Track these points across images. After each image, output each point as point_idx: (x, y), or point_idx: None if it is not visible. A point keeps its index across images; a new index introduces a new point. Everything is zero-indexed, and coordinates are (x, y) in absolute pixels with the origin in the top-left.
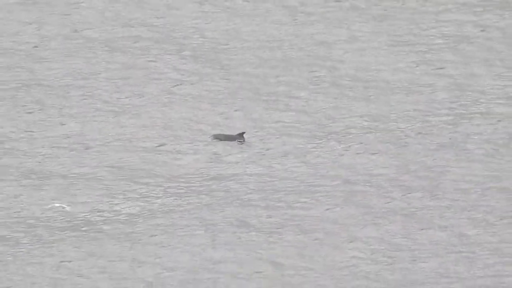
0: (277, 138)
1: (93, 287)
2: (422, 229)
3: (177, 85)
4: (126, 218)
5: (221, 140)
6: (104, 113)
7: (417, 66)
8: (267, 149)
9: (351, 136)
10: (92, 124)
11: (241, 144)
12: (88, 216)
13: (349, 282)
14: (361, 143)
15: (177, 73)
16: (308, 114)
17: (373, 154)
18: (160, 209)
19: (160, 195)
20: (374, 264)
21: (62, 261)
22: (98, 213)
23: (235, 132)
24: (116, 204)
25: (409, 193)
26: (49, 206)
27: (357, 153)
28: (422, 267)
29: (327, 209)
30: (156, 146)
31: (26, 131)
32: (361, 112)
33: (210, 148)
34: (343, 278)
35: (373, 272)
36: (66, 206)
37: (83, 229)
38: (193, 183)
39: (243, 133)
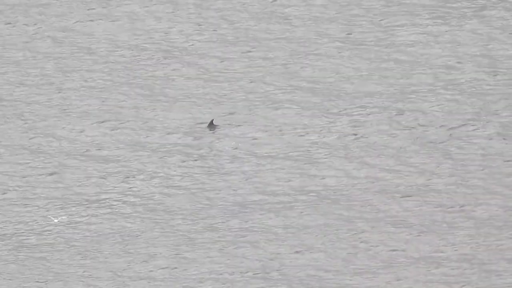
0: (294, 113)
1: (108, 267)
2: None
3: (193, 67)
4: (141, 197)
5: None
6: (122, 92)
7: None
8: (282, 126)
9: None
10: (108, 101)
11: (213, 131)
12: (103, 196)
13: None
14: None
15: (193, 56)
16: (322, 89)
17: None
18: (172, 191)
19: (177, 176)
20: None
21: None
22: (113, 194)
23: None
24: (132, 186)
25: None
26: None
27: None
28: None
29: (343, 188)
30: (173, 128)
31: (46, 111)
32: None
33: (230, 130)
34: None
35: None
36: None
37: (98, 211)
38: (208, 165)
39: (212, 120)
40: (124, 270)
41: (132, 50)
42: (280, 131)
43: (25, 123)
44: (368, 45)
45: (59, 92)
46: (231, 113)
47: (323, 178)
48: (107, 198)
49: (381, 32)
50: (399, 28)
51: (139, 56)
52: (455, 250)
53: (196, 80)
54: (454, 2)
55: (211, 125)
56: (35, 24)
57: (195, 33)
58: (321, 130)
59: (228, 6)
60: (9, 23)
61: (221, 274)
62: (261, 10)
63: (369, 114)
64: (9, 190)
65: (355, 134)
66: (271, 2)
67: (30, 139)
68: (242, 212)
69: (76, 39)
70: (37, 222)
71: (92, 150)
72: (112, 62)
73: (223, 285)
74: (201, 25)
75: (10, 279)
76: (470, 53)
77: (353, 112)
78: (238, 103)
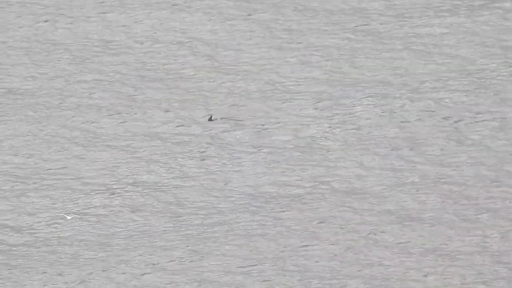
0: (306, 104)
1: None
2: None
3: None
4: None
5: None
6: (133, 84)
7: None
8: (294, 118)
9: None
10: (120, 93)
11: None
12: (115, 185)
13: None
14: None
15: (205, 48)
16: (334, 80)
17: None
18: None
19: (186, 168)
20: None
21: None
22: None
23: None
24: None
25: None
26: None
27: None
28: None
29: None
30: (185, 120)
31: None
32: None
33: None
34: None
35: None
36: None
37: (108, 203)
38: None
39: (211, 116)
40: (134, 262)
41: (143, 43)
42: (292, 122)
43: (36, 115)
44: (380, 36)
45: (71, 84)
46: (243, 105)
47: (335, 170)
48: (117, 188)
49: (393, 23)
50: (411, 20)
51: (151, 48)
52: (466, 242)
53: (208, 72)
54: None
55: (211, 120)
56: (46, 15)
57: (207, 24)
58: (332, 121)
59: None
60: (19, 16)
61: (232, 266)
62: (273, 1)
63: (379, 106)
64: (19, 182)
65: (367, 125)
66: None
67: (41, 130)
68: (253, 205)
69: (88, 31)
70: (47, 215)
71: (103, 142)
72: (124, 54)
73: (234, 278)
74: (213, 16)
75: (20, 274)
76: (482, 44)
77: (364, 103)
78: (250, 94)
